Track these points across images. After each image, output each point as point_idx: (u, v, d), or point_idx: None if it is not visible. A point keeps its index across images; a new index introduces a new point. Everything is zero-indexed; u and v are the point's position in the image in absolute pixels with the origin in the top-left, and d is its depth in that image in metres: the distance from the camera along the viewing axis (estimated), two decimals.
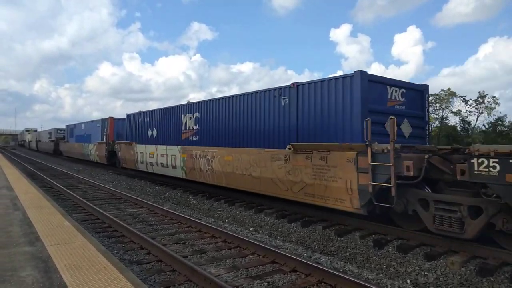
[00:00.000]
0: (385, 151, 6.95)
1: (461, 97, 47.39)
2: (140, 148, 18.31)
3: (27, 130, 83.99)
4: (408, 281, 5.56)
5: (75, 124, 34.24)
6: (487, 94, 46.06)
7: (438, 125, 48.24)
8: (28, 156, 41.34)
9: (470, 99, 46.73)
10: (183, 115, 15.20)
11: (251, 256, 6.36)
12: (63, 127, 41.95)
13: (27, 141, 74.55)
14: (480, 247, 6.27)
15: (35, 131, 77.36)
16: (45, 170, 22.72)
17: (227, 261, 6.13)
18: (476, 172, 5.78)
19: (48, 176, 18.77)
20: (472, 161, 5.84)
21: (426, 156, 6.61)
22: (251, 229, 8.68)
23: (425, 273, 5.76)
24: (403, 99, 9.39)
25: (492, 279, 5.42)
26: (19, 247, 4.89)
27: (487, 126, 44.60)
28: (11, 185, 11.33)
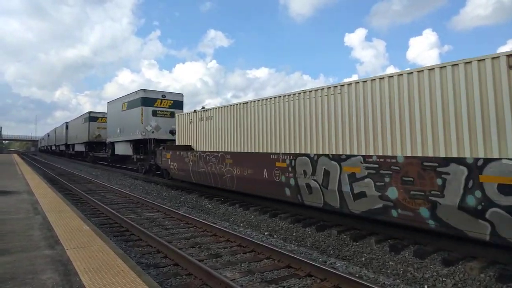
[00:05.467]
0: None
1: None
2: None
3: (93, 118, 34.52)
4: (426, 287, 5.47)
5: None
6: None
7: None
8: (48, 162, 42.24)
9: None
10: None
11: (266, 261, 6.37)
12: None
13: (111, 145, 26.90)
14: (500, 253, 6.13)
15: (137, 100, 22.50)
16: (64, 175, 23.21)
17: (243, 265, 6.16)
18: None
19: (67, 181, 19.18)
20: None
21: None
22: (265, 233, 8.69)
23: (443, 279, 5.67)
24: None
25: None
26: (40, 250, 5.02)
27: None
28: (32, 190, 11.62)
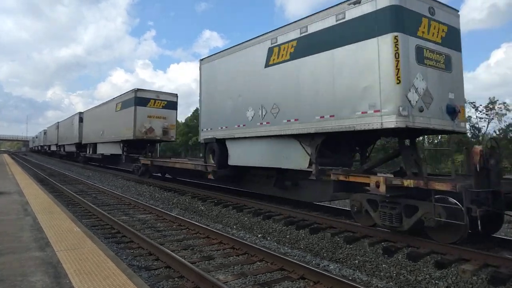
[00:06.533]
0: None
1: (471, 103, 46.79)
2: None
3: (141, 100, 20.08)
4: None
5: None
6: (498, 100, 45.24)
7: None
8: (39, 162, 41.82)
9: (481, 105, 45.99)
10: None
11: (259, 263, 6.34)
12: None
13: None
14: (492, 256, 6.17)
15: None
16: (55, 176, 22.97)
17: (235, 267, 6.12)
18: None
19: (58, 181, 18.97)
20: None
21: None
22: (259, 235, 8.66)
23: (436, 281, 5.68)
24: None
25: None
26: (30, 252, 4.95)
27: (498, 133, 43.98)
28: (22, 191, 11.47)
